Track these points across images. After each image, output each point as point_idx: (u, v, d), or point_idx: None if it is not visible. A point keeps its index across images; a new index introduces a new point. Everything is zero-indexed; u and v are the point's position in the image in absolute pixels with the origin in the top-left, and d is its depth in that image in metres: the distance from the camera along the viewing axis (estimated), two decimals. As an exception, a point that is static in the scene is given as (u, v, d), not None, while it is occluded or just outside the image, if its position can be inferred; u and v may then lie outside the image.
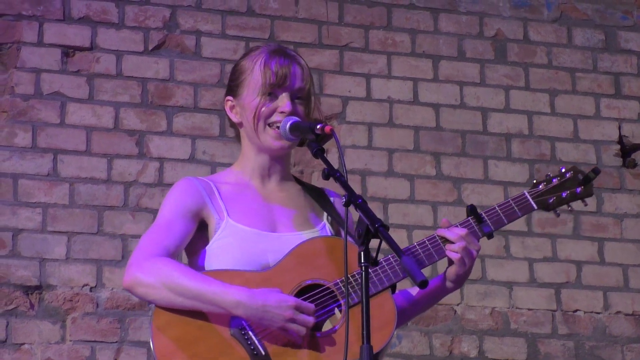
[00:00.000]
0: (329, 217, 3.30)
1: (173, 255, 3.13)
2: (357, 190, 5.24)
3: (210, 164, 5.18)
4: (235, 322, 3.04)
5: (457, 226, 3.20)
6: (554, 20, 5.79)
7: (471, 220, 3.22)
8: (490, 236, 3.23)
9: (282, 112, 3.22)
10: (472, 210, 3.23)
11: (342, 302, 3.08)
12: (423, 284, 2.73)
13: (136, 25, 5.26)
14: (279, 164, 3.30)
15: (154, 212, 5.02)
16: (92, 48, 5.20)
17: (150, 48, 5.26)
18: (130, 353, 4.90)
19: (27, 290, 4.90)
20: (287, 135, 3.20)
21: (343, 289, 3.07)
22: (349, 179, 3.03)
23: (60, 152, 5.05)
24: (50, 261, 4.93)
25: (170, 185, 5.04)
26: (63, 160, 5.05)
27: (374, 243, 2.87)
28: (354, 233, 2.92)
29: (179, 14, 5.32)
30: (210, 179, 3.30)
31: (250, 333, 3.03)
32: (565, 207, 3.32)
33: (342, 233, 3.03)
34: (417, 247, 3.18)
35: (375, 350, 2.84)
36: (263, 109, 3.24)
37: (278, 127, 3.22)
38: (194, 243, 3.22)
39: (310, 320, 3.02)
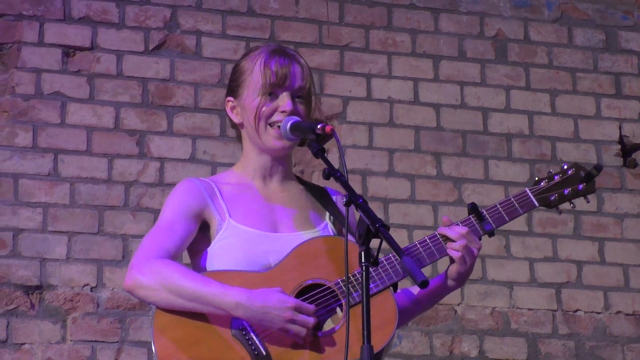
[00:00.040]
0: (332, 217, 3.30)
1: (174, 256, 3.14)
2: (358, 190, 5.24)
3: (211, 164, 5.18)
4: (237, 323, 3.04)
5: (458, 224, 3.20)
6: (555, 20, 5.79)
7: (472, 219, 3.22)
8: (491, 234, 3.23)
9: (283, 112, 3.22)
10: (473, 208, 3.22)
11: (343, 301, 3.08)
12: (423, 284, 2.73)
13: (137, 25, 5.26)
14: (280, 164, 3.30)
15: (155, 212, 5.03)
16: (92, 48, 5.20)
17: (150, 48, 5.26)
18: (130, 353, 4.90)
19: (28, 290, 4.90)
20: (287, 135, 3.20)
21: (344, 288, 3.07)
22: (349, 179, 3.03)
23: (60, 152, 5.05)
24: (51, 261, 4.93)
25: (170, 185, 5.08)
26: (64, 160, 5.05)
27: (374, 243, 2.87)
28: (355, 233, 2.91)
29: (179, 14, 5.32)
30: (212, 180, 3.30)
31: (251, 334, 3.03)
32: (567, 204, 3.31)
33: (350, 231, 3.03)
34: (418, 246, 3.18)
35: (376, 350, 2.84)
36: (264, 108, 3.24)
37: (279, 127, 3.22)
38: (196, 244, 3.22)
39: (310, 320, 3.02)
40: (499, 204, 3.26)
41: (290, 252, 3.14)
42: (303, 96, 3.26)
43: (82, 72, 5.16)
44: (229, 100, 3.33)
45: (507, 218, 3.25)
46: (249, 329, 3.03)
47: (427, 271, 2.94)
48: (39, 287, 4.90)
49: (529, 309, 5.39)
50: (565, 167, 3.31)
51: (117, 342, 4.91)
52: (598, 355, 5.40)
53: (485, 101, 5.59)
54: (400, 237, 5.19)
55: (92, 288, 4.95)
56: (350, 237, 3.00)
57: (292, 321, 3.00)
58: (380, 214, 5.23)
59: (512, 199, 3.27)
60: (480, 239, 3.20)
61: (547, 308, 5.41)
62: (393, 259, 3.13)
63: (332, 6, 5.51)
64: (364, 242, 2.84)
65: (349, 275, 3.08)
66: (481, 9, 5.69)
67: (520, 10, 5.74)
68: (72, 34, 5.18)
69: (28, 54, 5.11)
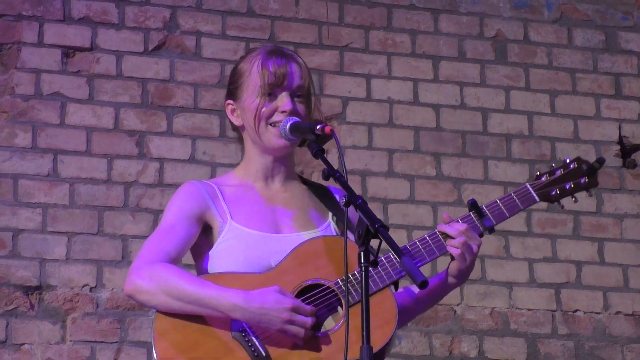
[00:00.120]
0: (334, 217, 3.30)
1: (175, 260, 3.15)
2: (357, 190, 5.24)
3: (211, 165, 5.18)
4: (237, 325, 3.05)
5: (457, 221, 3.19)
6: (555, 20, 5.79)
7: (472, 215, 3.21)
8: (491, 230, 3.22)
9: (282, 112, 3.22)
10: (473, 205, 3.21)
11: (343, 301, 3.08)
12: (423, 284, 2.73)
13: (136, 26, 5.26)
14: (282, 164, 3.30)
15: (154, 212, 5.03)
16: (92, 48, 5.20)
17: (150, 48, 5.26)
18: (130, 353, 4.90)
19: (27, 290, 4.90)
20: (287, 136, 3.20)
21: (344, 288, 3.07)
22: (349, 180, 3.03)
23: (60, 152, 5.05)
24: (51, 261, 4.93)
25: (170, 185, 5.08)
26: (63, 161, 5.05)
27: (374, 243, 2.87)
28: (355, 233, 2.91)
29: (179, 14, 5.32)
30: (213, 182, 3.30)
31: (251, 335, 3.03)
32: (569, 198, 3.28)
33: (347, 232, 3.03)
34: (418, 244, 3.17)
35: (376, 349, 2.84)
36: (263, 109, 3.24)
37: (279, 127, 3.22)
38: (199, 246, 3.23)
39: (308, 321, 3.02)
40: (499, 199, 3.25)
41: (290, 253, 3.14)
42: (302, 95, 3.26)
43: (81, 73, 5.16)
44: (228, 103, 3.33)
45: (507, 214, 3.23)
46: (248, 330, 3.03)
47: (426, 270, 2.94)
48: (38, 288, 4.90)
49: (529, 309, 5.39)
50: (568, 160, 3.28)
51: (116, 342, 4.91)
52: (597, 355, 5.40)
53: (485, 102, 5.59)
54: (400, 238, 5.19)
55: (91, 288, 4.95)
56: (351, 236, 3.00)
57: (290, 322, 3.00)
58: (379, 215, 5.23)
59: (512, 194, 3.25)
60: (482, 236, 3.20)
61: (546, 308, 5.41)
62: (393, 257, 3.13)
63: (332, 7, 5.51)
64: (363, 242, 2.84)
65: (349, 275, 3.08)
66: (481, 10, 5.69)
67: (520, 10, 5.74)
68: (71, 35, 5.18)
69: (28, 54, 5.11)
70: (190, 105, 5.24)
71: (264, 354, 3.01)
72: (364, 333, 2.76)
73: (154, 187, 5.11)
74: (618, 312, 5.47)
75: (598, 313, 5.46)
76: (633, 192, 5.64)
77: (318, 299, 3.09)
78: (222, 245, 3.19)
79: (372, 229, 2.82)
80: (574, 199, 3.28)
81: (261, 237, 3.19)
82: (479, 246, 3.17)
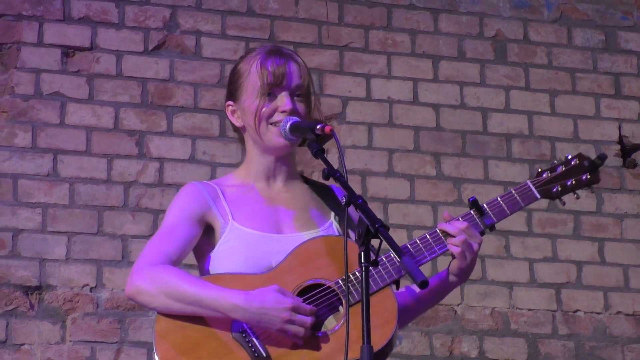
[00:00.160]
0: (337, 216, 3.30)
1: (176, 261, 3.15)
2: (357, 190, 5.23)
3: (211, 164, 5.17)
4: (237, 326, 3.05)
5: (458, 219, 3.19)
6: (554, 20, 5.78)
7: (473, 213, 3.20)
8: (492, 228, 3.21)
9: (282, 112, 3.22)
10: (473, 203, 3.21)
11: (343, 300, 3.08)
12: (423, 284, 2.72)
13: (136, 26, 5.26)
14: (284, 164, 3.30)
15: (154, 212, 5.03)
16: (92, 48, 5.20)
17: (150, 48, 5.26)
18: (130, 353, 4.90)
19: (27, 290, 4.89)
20: (287, 136, 3.19)
21: (344, 287, 3.07)
22: (349, 179, 3.03)
23: (60, 152, 5.05)
24: (50, 261, 4.93)
25: (170, 185, 5.08)
26: (63, 161, 5.05)
27: (375, 243, 2.87)
28: (355, 233, 2.91)
29: (179, 14, 5.32)
30: (215, 183, 3.30)
31: (251, 336, 3.03)
32: (571, 195, 3.26)
33: (349, 232, 3.03)
34: (418, 242, 3.17)
35: (376, 348, 2.83)
36: (263, 109, 3.24)
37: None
38: (201, 247, 3.24)
39: (308, 320, 3.02)
40: (500, 197, 3.23)
41: (290, 253, 3.14)
42: (302, 94, 3.26)
43: (81, 73, 5.16)
44: (229, 105, 3.33)
45: (508, 211, 3.22)
46: (249, 331, 3.03)
47: (427, 269, 2.93)
48: (38, 288, 4.90)
49: (529, 310, 5.39)
50: (569, 157, 3.26)
51: (116, 342, 4.91)
52: (598, 355, 5.40)
53: (485, 101, 5.59)
54: (400, 238, 5.19)
55: (91, 288, 4.95)
56: (353, 235, 2.99)
57: (290, 321, 3.00)
58: (379, 215, 5.23)
59: (513, 191, 3.24)
60: (483, 234, 3.19)
61: (546, 308, 5.41)
62: (393, 256, 3.12)
63: (332, 6, 5.51)
64: (363, 242, 2.83)
65: (349, 274, 3.08)
66: (481, 9, 5.68)
67: (519, 10, 5.74)
68: (71, 34, 5.17)
69: (27, 54, 5.10)
70: (190, 105, 5.24)
71: (264, 355, 3.01)
72: (365, 333, 2.75)
73: (153, 187, 5.11)
74: (618, 312, 5.47)
75: (598, 313, 5.45)
76: (633, 192, 5.64)
77: (318, 298, 3.09)
78: (223, 246, 3.19)
79: (372, 229, 2.81)
80: (575, 195, 3.26)
81: (262, 238, 3.19)
82: (479, 244, 3.16)
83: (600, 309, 5.46)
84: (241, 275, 3.11)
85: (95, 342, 4.89)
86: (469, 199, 3.22)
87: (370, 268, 2.84)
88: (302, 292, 3.09)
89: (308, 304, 3.06)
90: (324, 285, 3.10)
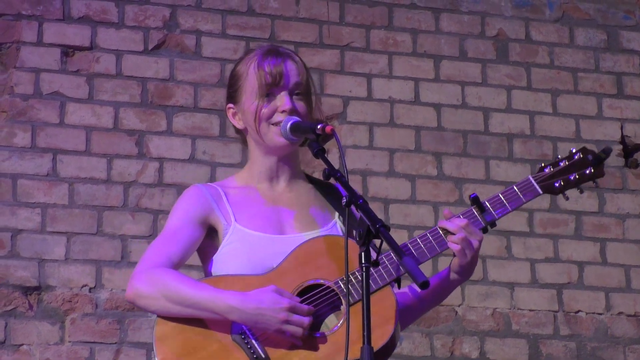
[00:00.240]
0: (341, 216, 3.28)
1: (178, 264, 3.16)
2: (358, 190, 5.22)
3: (210, 164, 5.17)
4: (236, 328, 3.04)
5: (458, 217, 3.18)
6: (556, 20, 5.77)
7: (473, 210, 3.18)
8: (493, 224, 3.18)
9: (282, 111, 3.21)
10: (474, 199, 3.18)
11: (343, 300, 3.07)
12: (424, 284, 2.71)
13: (136, 25, 5.25)
14: (286, 164, 3.29)
15: (154, 212, 5.02)
16: (91, 48, 5.19)
17: (150, 48, 5.25)
18: (129, 354, 4.89)
19: (26, 291, 4.88)
20: (287, 136, 3.19)
21: (343, 287, 3.06)
22: (349, 179, 3.02)
23: (59, 152, 5.04)
24: (50, 262, 4.92)
25: (170, 185, 5.07)
26: (62, 160, 5.04)
27: (375, 243, 2.86)
28: (355, 233, 2.89)
29: (179, 13, 5.31)
30: (218, 185, 3.30)
31: (250, 338, 3.03)
32: (575, 189, 3.20)
33: (351, 232, 3.01)
34: (419, 241, 3.16)
35: (376, 348, 2.82)
36: (263, 110, 3.23)
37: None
38: (204, 249, 3.24)
39: (305, 320, 3.01)
40: (501, 193, 3.20)
41: (291, 253, 3.13)
42: (301, 93, 3.25)
43: (81, 72, 5.15)
44: (229, 107, 3.33)
45: (509, 207, 3.18)
46: (248, 333, 3.03)
47: (427, 269, 2.92)
48: (37, 288, 4.89)
49: (530, 310, 5.38)
50: (573, 150, 3.21)
51: (115, 343, 4.90)
52: (599, 356, 5.39)
53: (486, 101, 5.58)
54: (401, 238, 5.17)
55: (90, 289, 4.94)
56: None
57: (287, 322, 2.99)
58: (380, 215, 5.22)
59: (514, 187, 3.20)
60: (485, 231, 3.16)
61: (548, 309, 5.39)
62: (394, 255, 3.10)
63: (333, 6, 5.50)
64: (364, 242, 2.82)
65: (349, 274, 3.06)
66: (482, 9, 5.67)
67: (521, 10, 5.72)
68: (71, 34, 5.16)
69: (27, 53, 5.10)
70: (190, 105, 5.23)
71: (263, 356, 3.01)
72: (365, 333, 2.74)
73: (153, 186, 5.10)
74: (620, 313, 5.46)
75: (600, 314, 5.44)
76: (635, 192, 5.63)
77: (318, 299, 3.08)
78: (226, 248, 3.19)
79: (373, 229, 2.80)
80: (579, 190, 3.22)
81: (264, 239, 3.18)
82: (480, 241, 3.14)
83: (602, 310, 5.44)
84: (241, 276, 3.10)
85: (94, 342, 4.88)
86: (470, 196, 3.20)
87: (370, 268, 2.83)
88: (302, 293, 3.08)
89: (308, 304, 3.05)
90: (324, 285, 3.09)
